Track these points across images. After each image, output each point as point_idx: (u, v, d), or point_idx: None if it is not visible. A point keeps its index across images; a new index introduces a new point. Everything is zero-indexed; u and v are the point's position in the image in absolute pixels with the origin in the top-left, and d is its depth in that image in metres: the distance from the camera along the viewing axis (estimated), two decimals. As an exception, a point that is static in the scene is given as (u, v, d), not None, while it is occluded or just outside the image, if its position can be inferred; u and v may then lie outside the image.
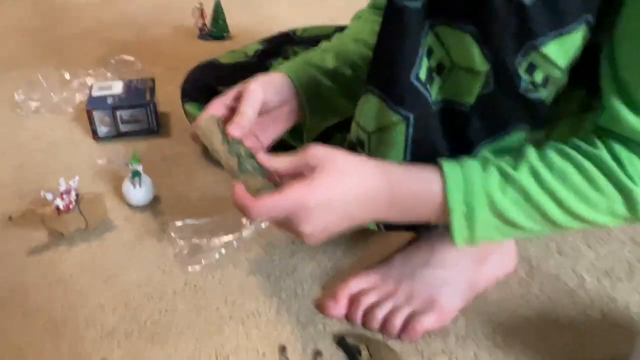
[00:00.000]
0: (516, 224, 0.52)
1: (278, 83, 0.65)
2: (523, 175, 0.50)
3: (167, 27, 1.67)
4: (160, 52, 1.49)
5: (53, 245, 0.82)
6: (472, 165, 0.52)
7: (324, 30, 0.97)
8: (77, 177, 0.81)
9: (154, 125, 1.09)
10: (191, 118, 0.97)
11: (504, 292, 0.74)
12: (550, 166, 0.50)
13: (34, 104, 1.17)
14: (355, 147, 0.59)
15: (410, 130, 0.53)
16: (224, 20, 1.57)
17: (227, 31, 1.59)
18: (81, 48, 1.51)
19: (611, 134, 0.50)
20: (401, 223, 0.57)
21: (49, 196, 0.79)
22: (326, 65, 0.70)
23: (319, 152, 0.52)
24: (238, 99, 0.61)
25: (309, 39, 0.96)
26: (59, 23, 1.70)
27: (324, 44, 0.75)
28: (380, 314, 0.68)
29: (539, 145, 0.53)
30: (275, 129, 0.66)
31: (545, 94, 0.51)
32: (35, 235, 0.83)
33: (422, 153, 0.55)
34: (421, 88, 0.51)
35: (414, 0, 0.49)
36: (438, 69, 0.52)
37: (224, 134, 0.57)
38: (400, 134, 0.53)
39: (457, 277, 0.70)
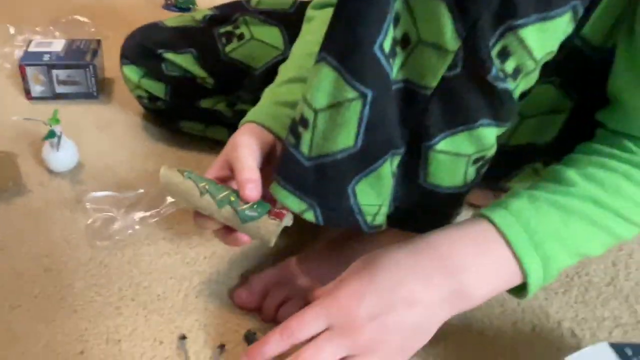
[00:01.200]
0: (587, 252, 0.51)
1: (260, 135, 0.58)
2: (581, 203, 0.49)
3: (132, -7, 1.60)
4: (119, 19, 1.42)
5: (-48, 205, 0.76)
6: (520, 206, 0.49)
7: (280, 3, 0.92)
8: (-18, 132, 0.74)
9: (93, 90, 1.02)
10: (129, 82, 0.91)
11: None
12: (602, 185, 0.49)
13: (-33, 58, 1.10)
14: (297, 127, 0.50)
15: (367, 109, 0.46)
16: (192, -10, 1.51)
17: (194, 3, 1.52)
18: (36, 5, 1.43)
19: (623, 135, 0.51)
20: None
21: (-51, 151, 0.72)
22: (297, 99, 0.61)
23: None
24: (225, 168, 0.56)
25: (263, 11, 0.90)
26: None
27: (283, 72, 0.66)
28: (293, 311, 0.63)
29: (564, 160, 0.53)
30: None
31: (513, 86, 0.45)
32: None
33: (374, 139, 0.48)
34: (384, 61, 0.45)
35: None
36: (403, 42, 0.45)
37: (197, 182, 0.52)
38: (354, 114, 0.46)
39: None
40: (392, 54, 0.45)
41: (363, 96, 0.45)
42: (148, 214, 0.75)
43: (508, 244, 0.47)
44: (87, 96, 1.03)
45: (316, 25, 0.68)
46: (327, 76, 0.46)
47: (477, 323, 0.65)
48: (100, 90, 1.04)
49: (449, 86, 0.45)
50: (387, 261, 0.50)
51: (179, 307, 0.65)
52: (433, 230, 0.52)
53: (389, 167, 0.49)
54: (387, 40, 0.44)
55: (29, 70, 0.98)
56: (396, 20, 0.44)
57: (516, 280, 0.49)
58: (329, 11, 0.69)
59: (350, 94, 0.45)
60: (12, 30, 1.20)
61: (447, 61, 0.44)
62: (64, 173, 0.83)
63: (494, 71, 0.43)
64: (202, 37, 0.86)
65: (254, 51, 0.85)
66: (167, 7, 1.53)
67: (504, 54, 0.43)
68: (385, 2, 0.43)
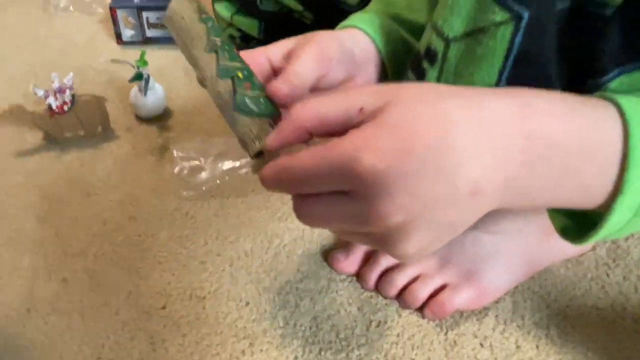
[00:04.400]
0: None
1: (353, 46, 0.45)
2: None
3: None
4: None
5: (44, 149, 0.76)
6: None
7: None
8: (71, 74, 0.73)
9: (184, 33, 0.99)
10: (221, 20, 0.86)
11: (573, 274, 0.58)
12: None
13: (63, 1, 1.11)
14: (420, 61, 0.42)
15: (519, 36, 0.37)
16: None
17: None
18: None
19: None
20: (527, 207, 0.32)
21: (39, 92, 0.72)
22: (417, 21, 0.50)
23: (381, 87, 0.31)
24: (289, 58, 0.42)
25: None
26: None
27: None
28: (400, 280, 0.55)
29: None
30: None
31: None
32: (27, 137, 0.77)
33: (525, 75, 0.38)
34: None
35: None
36: None
37: (210, 33, 0.38)
38: (502, 42, 0.37)
39: (513, 248, 0.56)
40: None
41: (517, 18, 0.36)
42: (237, 163, 0.70)
43: (625, 136, 0.29)
44: (177, 41, 1.00)
45: None
46: None
47: (633, 310, 0.54)
48: (190, 34, 1.01)
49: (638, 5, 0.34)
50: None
51: (267, 267, 0.60)
52: None
53: None
54: None
55: (120, 13, 0.97)
56: None
57: (596, 193, 0.31)
58: None
59: (499, 15, 0.36)
60: (106, -26, 1.20)
61: None
62: (152, 119, 0.81)
63: None
64: None
65: None
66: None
67: None
68: None
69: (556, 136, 0.29)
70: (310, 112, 0.31)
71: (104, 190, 0.70)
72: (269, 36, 0.86)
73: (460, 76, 0.40)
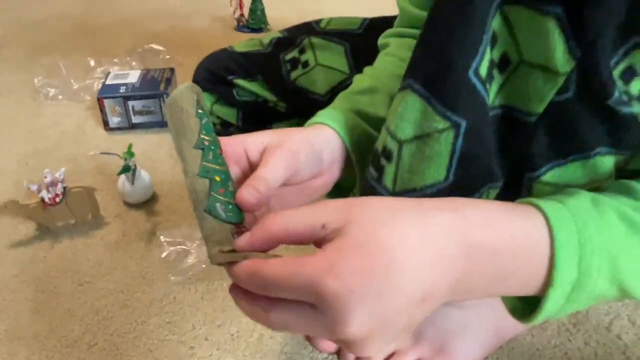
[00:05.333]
0: (631, 289, 0.37)
1: (322, 146, 0.50)
2: None
3: (206, 18, 1.66)
4: (194, 43, 1.48)
5: (37, 239, 0.80)
6: (581, 206, 0.37)
7: (350, 23, 0.90)
8: (63, 169, 0.78)
9: (168, 118, 1.06)
10: (202, 111, 0.93)
11: (538, 341, 0.63)
12: None
13: (52, 91, 1.18)
14: (379, 158, 0.47)
15: (460, 140, 0.42)
16: (262, 11, 1.54)
17: (266, 23, 1.56)
18: (114, 37, 1.53)
19: None
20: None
21: (33, 187, 0.77)
22: (379, 115, 0.56)
23: (340, 204, 0.35)
24: (263, 152, 0.46)
25: (333, 31, 0.89)
26: (101, 12, 1.74)
27: (357, 82, 0.61)
28: (378, 358, 0.59)
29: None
30: (296, 202, 0.50)
31: (639, 110, 0.40)
32: (21, 227, 0.82)
33: (469, 172, 0.43)
34: (480, 87, 0.41)
35: None
36: (501, 64, 0.41)
37: (202, 130, 0.40)
38: (445, 145, 0.42)
39: (482, 321, 0.60)
40: (489, 77, 0.42)
41: (456, 126, 0.41)
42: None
43: (551, 239, 0.35)
44: (162, 125, 1.07)
45: (393, 49, 0.65)
46: (413, 105, 0.43)
47: None
48: (174, 118, 1.08)
49: (559, 111, 0.40)
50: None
51: (253, 349, 0.63)
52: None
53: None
54: (483, 63, 0.40)
55: (107, 103, 1.03)
56: (494, 40, 0.40)
57: (531, 286, 0.36)
58: (407, 40, 0.66)
59: (441, 124, 0.41)
60: (92, 63, 1.28)
61: (557, 84, 0.39)
62: (140, 205, 0.86)
63: (616, 94, 0.38)
64: (268, 63, 0.87)
65: (318, 77, 0.84)
66: (239, 28, 1.58)
67: (629, 74, 0.38)
68: (482, 21, 0.39)
69: (494, 244, 0.34)
70: (280, 226, 0.36)
71: (96, 278, 0.74)
72: (246, 123, 0.92)
73: (413, 173, 0.44)
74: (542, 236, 0.35)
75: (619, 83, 0.38)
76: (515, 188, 0.44)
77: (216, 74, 0.90)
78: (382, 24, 0.77)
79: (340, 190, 0.56)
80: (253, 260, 0.35)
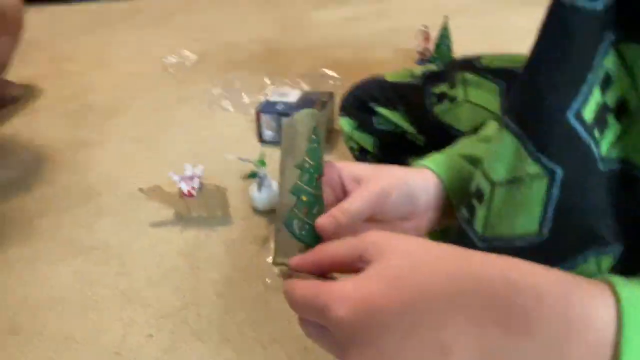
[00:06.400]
0: None
1: (419, 190, 0.52)
2: None
3: (389, 50, 1.79)
4: (371, 72, 1.60)
5: (172, 224, 0.97)
6: None
7: (515, 60, 0.92)
8: (201, 166, 0.94)
9: (315, 139, 1.18)
10: (343, 133, 1.03)
11: None
12: None
13: (225, 102, 1.40)
14: (471, 199, 0.47)
15: (555, 190, 0.40)
16: (449, 47, 1.60)
17: (450, 59, 1.61)
18: (296, 60, 1.74)
19: None
20: None
21: (175, 177, 0.94)
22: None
23: (380, 237, 0.37)
24: (360, 182, 0.50)
25: (492, 69, 0.92)
26: (292, 38, 1.99)
27: (487, 128, 0.62)
28: None
29: None
30: None
31: None
32: (163, 212, 1.00)
33: (567, 228, 0.40)
34: (582, 132, 0.39)
35: (592, 0, 0.37)
36: (618, 110, 0.39)
37: (308, 153, 0.47)
38: (538, 193, 0.41)
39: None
40: (601, 123, 0.39)
41: (550, 173, 0.40)
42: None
43: (618, 329, 0.30)
44: (309, 144, 1.19)
45: None
46: (508, 144, 0.42)
47: None
48: (325, 140, 1.20)
49: None
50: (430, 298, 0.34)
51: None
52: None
53: (594, 268, 0.41)
54: (587, 106, 0.39)
55: (264, 117, 1.20)
56: (607, 82, 0.39)
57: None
58: None
59: (532, 168, 0.40)
60: (267, 81, 1.49)
61: None
62: (266, 212, 0.99)
63: None
64: (413, 94, 0.93)
65: (463, 113, 0.86)
66: (420, 62, 1.67)
67: None
68: (585, 57, 0.38)
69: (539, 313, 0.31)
70: (327, 253, 0.40)
71: (207, 266, 0.87)
72: (383, 152, 0.99)
73: (503, 218, 0.44)
74: (609, 319, 0.30)
75: None
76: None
77: (361, 99, 0.99)
78: None
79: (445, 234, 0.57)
80: (289, 281, 0.40)
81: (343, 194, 0.52)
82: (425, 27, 1.65)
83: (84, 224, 0.99)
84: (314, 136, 0.47)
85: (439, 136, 0.90)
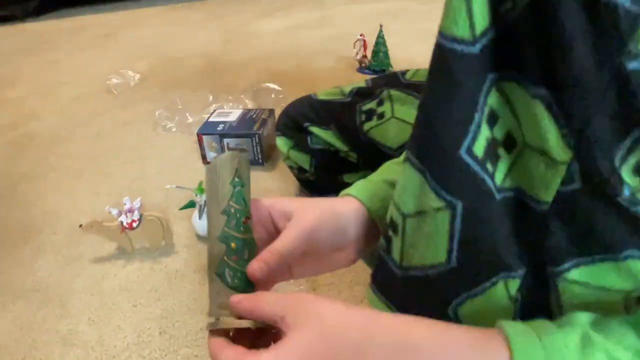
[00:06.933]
0: None
1: (348, 221, 0.53)
2: None
3: (331, 59, 1.79)
4: (311, 83, 1.61)
5: (115, 258, 0.95)
6: (562, 345, 0.34)
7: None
8: (139, 199, 0.93)
9: (259, 157, 1.18)
10: (281, 153, 1.03)
11: None
12: None
13: (169, 123, 1.38)
14: (388, 230, 0.48)
15: (458, 222, 0.41)
16: (386, 53, 1.62)
17: (388, 65, 1.63)
18: (238, 74, 1.73)
19: None
20: None
21: (114, 212, 0.92)
22: None
23: (300, 301, 0.40)
24: (289, 218, 0.51)
25: (416, 83, 0.93)
26: (236, 50, 1.97)
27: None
28: None
29: None
30: (317, 271, 0.54)
31: None
32: (106, 246, 0.98)
33: (474, 257, 0.42)
34: (476, 167, 0.40)
35: (468, 44, 0.37)
36: (507, 143, 0.41)
37: (232, 197, 0.47)
38: (442, 225, 0.42)
39: None
40: (492, 157, 0.41)
41: (451, 207, 0.41)
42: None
43: None
44: (253, 163, 1.19)
45: None
46: (412, 178, 0.43)
47: None
48: (267, 157, 1.19)
49: (570, 203, 0.38)
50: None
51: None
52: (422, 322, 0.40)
53: (503, 291, 0.42)
54: (478, 142, 0.40)
55: (205, 139, 1.19)
56: (493, 118, 0.40)
57: None
58: None
59: (435, 202, 0.41)
60: (210, 98, 1.47)
61: (560, 173, 0.37)
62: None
63: (626, 192, 0.36)
64: (344, 112, 0.93)
65: (391, 130, 0.87)
66: (361, 69, 1.68)
67: None
68: (470, 98, 0.39)
69: None
70: (253, 306, 0.41)
71: (149, 301, 0.85)
72: (319, 170, 1.00)
73: (415, 249, 0.45)
74: None
75: (633, 180, 0.35)
76: (541, 282, 0.41)
77: (295, 119, 0.99)
78: None
79: None
80: (217, 340, 0.42)
81: (275, 229, 0.52)
82: (362, 35, 1.66)
83: (23, 265, 0.97)
84: (236, 179, 0.47)
85: (370, 153, 0.91)
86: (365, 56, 1.66)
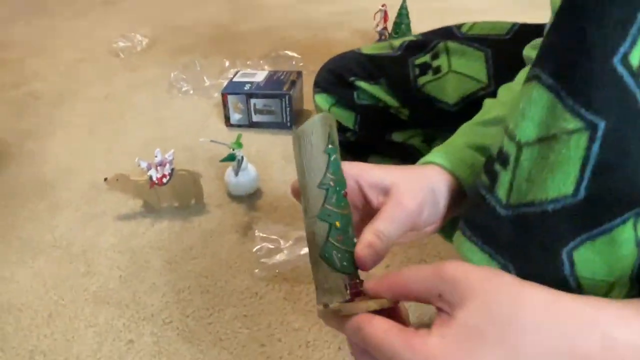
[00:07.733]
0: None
1: (442, 195, 0.49)
2: None
3: (348, 31, 1.72)
4: (330, 53, 1.53)
5: (141, 216, 0.87)
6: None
7: (496, 27, 0.86)
8: (172, 151, 0.84)
9: (287, 120, 1.10)
10: (319, 111, 0.95)
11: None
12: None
13: (185, 86, 1.29)
14: (493, 164, 0.43)
15: (596, 146, 0.36)
16: (408, 25, 1.55)
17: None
18: (253, 42, 1.64)
19: None
20: None
21: (143, 164, 0.83)
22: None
23: (460, 274, 0.34)
24: (387, 193, 0.45)
25: (475, 36, 0.86)
26: (245, 20, 1.88)
27: (486, 107, 0.58)
28: None
29: None
30: (405, 241, 0.49)
31: None
32: (130, 203, 0.89)
33: (606, 188, 0.37)
34: (629, 79, 0.35)
35: None
36: None
37: (329, 168, 0.40)
38: (576, 151, 0.37)
39: None
40: None
41: (591, 127, 0.36)
42: (312, 248, 0.75)
43: None
44: (280, 126, 1.11)
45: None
46: (539, 99, 0.38)
47: None
48: (294, 121, 1.11)
49: None
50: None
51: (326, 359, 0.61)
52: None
53: (630, 232, 0.38)
54: (635, 50, 0.35)
55: (230, 99, 1.10)
56: None
57: None
58: None
59: (572, 124, 0.36)
60: (227, 64, 1.38)
61: None
62: (243, 198, 0.89)
63: None
64: (395, 66, 0.86)
65: (449, 84, 0.80)
66: (380, 41, 1.61)
67: None
68: None
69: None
70: (402, 285, 0.36)
71: (185, 260, 0.77)
72: (363, 129, 0.92)
73: (533, 182, 0.39)
74: None
75: None
76: None
77: (338, 74, 0.91)
78: (537, 31, 0.73)
79: None
80: (361, 316, 0.36)
81: (363, 202, 0.46)
82: (384, 5, 1.59)
83: (40, 220, 0.87)
84: (330, 145, 0.40)
85: (423, 109, 0.84)
86: (385, 28, 1.59)
